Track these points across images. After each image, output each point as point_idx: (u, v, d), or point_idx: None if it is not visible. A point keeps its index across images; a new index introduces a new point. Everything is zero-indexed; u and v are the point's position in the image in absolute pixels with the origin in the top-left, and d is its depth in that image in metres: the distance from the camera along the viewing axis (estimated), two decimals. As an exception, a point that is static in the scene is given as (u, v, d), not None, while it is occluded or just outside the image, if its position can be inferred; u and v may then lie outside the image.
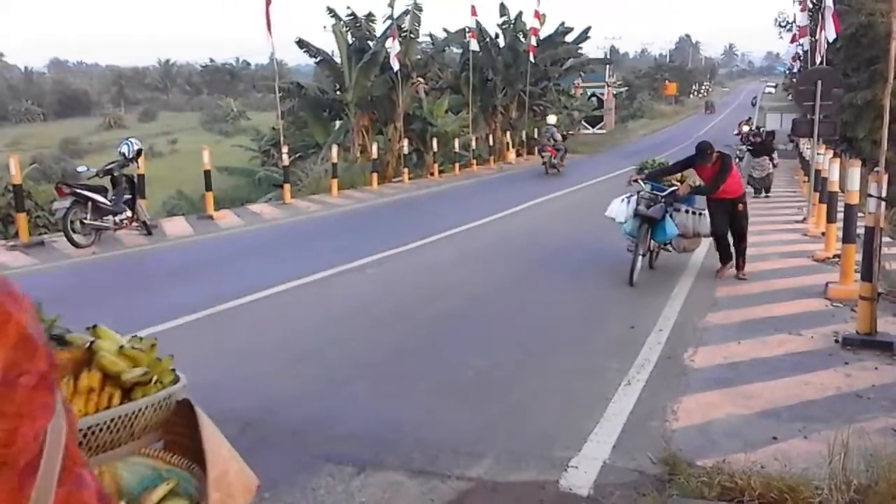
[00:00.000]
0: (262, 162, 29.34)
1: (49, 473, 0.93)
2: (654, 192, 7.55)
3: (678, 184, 7.80)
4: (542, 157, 20.97)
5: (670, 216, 7.57)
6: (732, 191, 7.57)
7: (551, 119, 22.53)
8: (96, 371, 1.66)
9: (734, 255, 7.76)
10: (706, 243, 8.52)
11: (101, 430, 1.58)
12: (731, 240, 7.78)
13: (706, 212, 7.80)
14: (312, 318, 6.36)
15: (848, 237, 6.72)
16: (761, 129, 35.67)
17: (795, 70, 27.27)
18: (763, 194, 15.84)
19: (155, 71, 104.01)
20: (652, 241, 7.66)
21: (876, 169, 5.50)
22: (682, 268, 8.26)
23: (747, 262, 7.90)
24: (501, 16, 29.62)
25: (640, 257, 7.46)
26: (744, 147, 17.37)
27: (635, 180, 7.79)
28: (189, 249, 9.89)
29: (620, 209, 7.91)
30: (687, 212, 7.79)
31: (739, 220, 7.66)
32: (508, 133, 28.94)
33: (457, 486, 3.37)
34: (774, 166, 16.18)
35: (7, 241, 10.04)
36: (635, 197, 7.70)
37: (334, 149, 16.63)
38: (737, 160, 16.51)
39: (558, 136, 21.30)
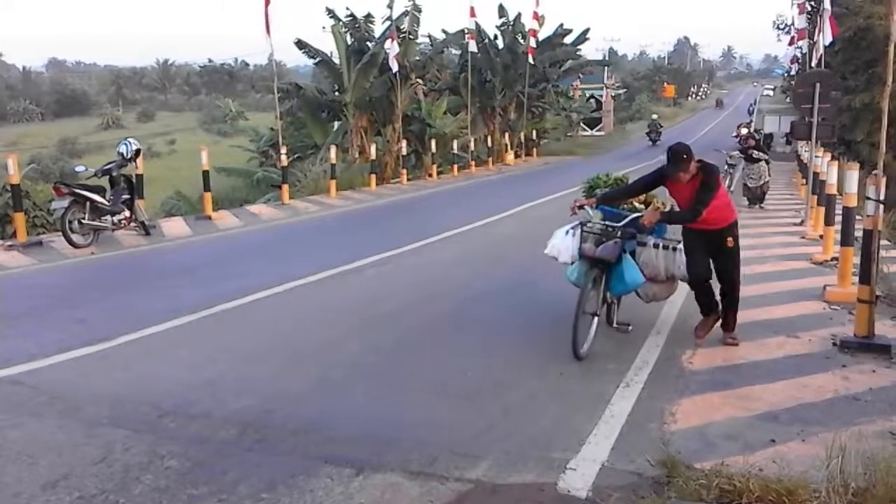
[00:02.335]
0: (261, 163, 29.36)
1: None
2: (608, 222, 5.37)
3: (644, 207, 5.83)
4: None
5: (631, 256, 5.49)
6: (719, 218, 5.31)
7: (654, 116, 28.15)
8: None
9: (721, 307, 5.59)
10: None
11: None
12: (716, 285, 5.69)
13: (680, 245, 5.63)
14: (310, 319, 6.36)
15: (846, 240, 6.74)
16: (760, 131, 35.79)
17: (794, 73, 27.35)
18: (757, 205, 14.28)
19: (153, 71, 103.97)
20: (608, 293, 5.43)
21: (874, 172, 5.51)
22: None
23: (743, 263, 7.71)
24: (500, 17, 29.68)
25: (591, 317, 5.26)
26: (737, 153, 14.99)
27: (580, 207, 5.42)
28: (187, 250, 9.88)
29: (564, 244, 5.75)
30: (657, 246, 5.58)
31: (728, 261, 5.43)
32: (507, 134, 28.99)
33: (456, 488, 3.37)
34: (767, 164, 14.41)
35: (5, 241, 10.02)
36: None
37: (333, 150, 16.63)
38: (727, 169, 14.85)
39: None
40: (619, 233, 5.24)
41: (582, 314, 5.10)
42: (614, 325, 5.67)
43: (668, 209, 5.55)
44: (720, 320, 5.65)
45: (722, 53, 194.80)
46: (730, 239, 5.42)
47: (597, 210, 5.58)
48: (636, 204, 5.98)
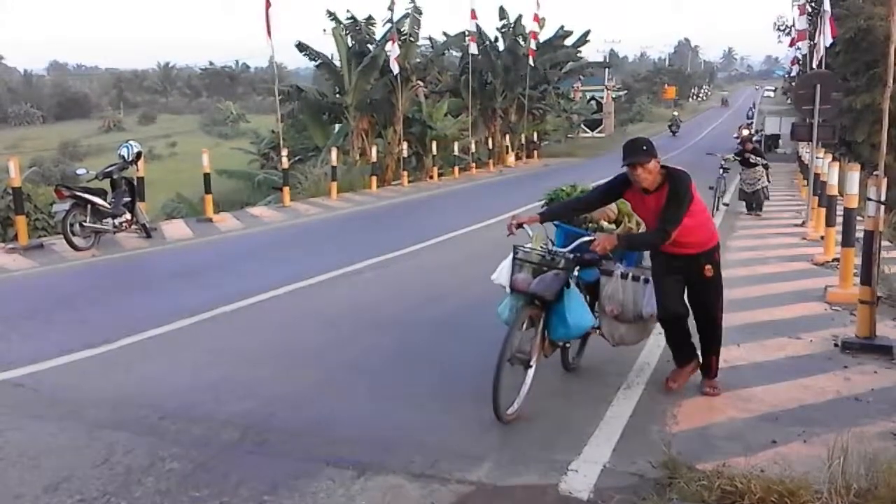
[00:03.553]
0: (262, 165, 29.40)
1: None
2: (557, 248, 4.40)
3: (611, 226, 4.94)
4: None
5: (593, 287, 4.59)
6: (695, 240, 4.29)
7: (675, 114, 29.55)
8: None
9: (700, 350, 4.60)
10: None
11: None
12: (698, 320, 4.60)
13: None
14: (312, 321, 6.36)
15: (847, 241, 6.74)
16: (761, 132, 35.74)
17: (794, 74, 27.35)
18: (755, 211, 13.52)
19: (154, 74, 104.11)
20: (547, 339, 4.31)
21: (875, 173, 5.51)
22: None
23: (744, 264, 7.69)
24: (501, 19, 29.69)
25: (524, 368, 4.20)
26: (731, 156, 13.84)
27: (519, 226, 4.36)
28: (188, 252, 9.88)
29: (507, 268, 4.58)
30: (625, 277, 4.55)
31: (706, 293, 4.43)
32: (508, 136, 29.00)
33: (457, 490, 3.37)
34: (766, 168, 13.47)
35: (6, 244, 10.03)
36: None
37: (334, 152, 16.65)
38: (721, 173, 13.86)
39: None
40: (563, 261, 4.18)
41: (509, 364, 4.01)
42: (570, 366, 4.86)
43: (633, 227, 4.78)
44: (696, 367, 4.63)
45: (723, 55, 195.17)
46: (708, 267, 4.32)
47: (557, 228, 4.79)
48: (604, 223, 4.94)
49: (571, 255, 4.22)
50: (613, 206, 4.89)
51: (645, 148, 4.15)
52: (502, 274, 4.48)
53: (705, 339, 4.57)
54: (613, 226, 4.98)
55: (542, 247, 4.36)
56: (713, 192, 13.25)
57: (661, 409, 4.29)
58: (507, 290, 4.35)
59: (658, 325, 4.69)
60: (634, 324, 4.62)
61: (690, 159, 25.38)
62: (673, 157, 31.59)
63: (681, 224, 4.08)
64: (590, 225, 4.91)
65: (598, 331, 4.72)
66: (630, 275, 4.57)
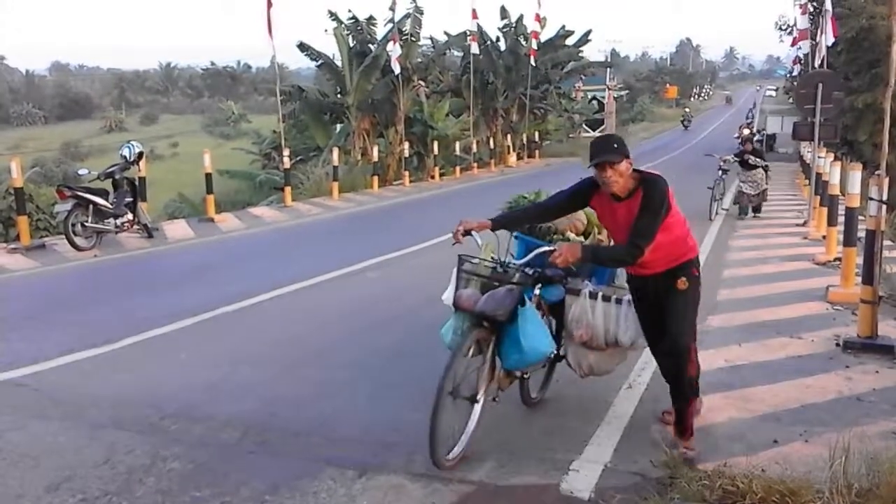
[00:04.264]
0: (263, 165, 29.43)
1: None
2: (515, 260, 3.81)
3: (579, 238, 4.42)
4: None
5: (558, 308, 4.00)
6: (669, 255, 3.64)
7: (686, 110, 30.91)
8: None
9: (672, 397, 3.82)
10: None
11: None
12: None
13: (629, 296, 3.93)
14: (313, 321, 6.36)
15: (849, 240, 6.73)
16: (762, 132, 35.66)
17: (796, 73, 27.32)
18: (751, 214, 13.00)
19: (156, 74, 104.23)
20: (500, 368, 3.70)
21: (877, 172, 5.50)
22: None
23: (746, 264, 7.64)
24: (502, 19, 29.70)
25: (469, 402, 3.61)
26: (730, 157, 13.18)
27: (467, 232, 3.71)
28: (190, 252, 9.89)
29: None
30: (594, 297, 3.93)
31: (674, 310, 3.67)
32: (509, 136, 29.00)
33: (458, 489, 3.37)
34: (766, 170, 13.01)
35: (8, 244, 10.05)
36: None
37: (335, 152, 16.66)
38: (720, 175, 13.18)
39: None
40: (517, 276, 3.56)
41: (451, 398, 3.41)
42: (531, 401, 4.25)
43: (592, 240, 4.24)
44: (678, 417, 3.78)
45: (724, 54, 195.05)
46: (682, 280, 3.66)
47: (517, 239, 4.25)
48: (571, 235, 4.38)
49: (529, 270, 3.65)
50: (582, 215, 4.34)
51: (616, 146, 3.50)
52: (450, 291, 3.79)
53: (670, 378, 3.77)
54: (582, 238, 4.48)
55: (492, 257, 3.72)
56: (710, 193, 12.74)
57: (663, 409, 4.29)
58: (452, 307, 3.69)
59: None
60: (606, 351, 3.97)
61: (693, 160, 25.38)
62: (676, 156, 31.58)
63: (653, 236, 3.44)
64: (554, 236, 4.36)
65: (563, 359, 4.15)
66: (600, 294, 3.91)
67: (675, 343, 3.67)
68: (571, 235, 4.41)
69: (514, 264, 3.67)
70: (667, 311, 3.67)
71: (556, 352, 4.07)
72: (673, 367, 3.73)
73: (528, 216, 4.09)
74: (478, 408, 3.65)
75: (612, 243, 3.99)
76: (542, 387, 4.35)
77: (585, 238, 4.45)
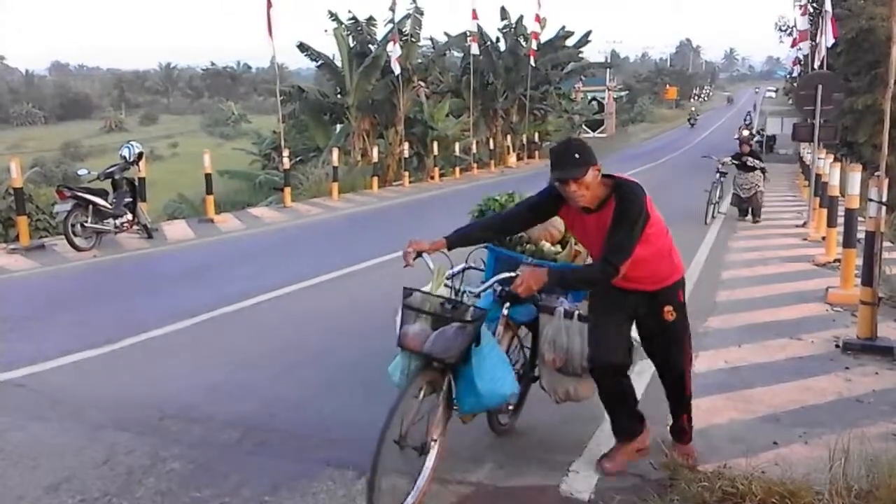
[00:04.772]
0: (263, 165, 29.38)
1: None
2: (487, 275, 3.69)
3: (555, 248, 3.95)
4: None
5: (532, 327, 3.73)
6: (652, 274, 3.31)
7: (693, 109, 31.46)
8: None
9: (671, 409, 3.74)
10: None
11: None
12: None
13: None
14: (313, 322, 6.36)
15: (848, 242, 6.73)
16: (762, 133, 35.64)
17: (796, 74, 27.35)
18: (750, 218, 12.64)
19: (156, 74, 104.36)
20: (455, 408, 3.25)
21: (876, 173, 5.50)
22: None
23: (746, 265, 7.62)
24: (502, 20, 29.73)
25: (418, 453, 3.12)
26: (728, 160, 12.78)
27: (418, 254, 3.44)
28: (190, 253, 9.89)
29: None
30: (569, 316, 3.52)
31: (668, 343, 3.49)
32: (509, 137, 29.03)
33: (457, 491, 3.37)
34: (763, 173, 12.61)
35: (8, 245, 10.04)
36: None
37: (335, 152, 16.66)
38: (718, 177, 12.72)
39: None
40: (470, 312, 3.09)
41: (398, 447, 2.97)
42: (500, 428, 3.87)
43: (562, 256, 3.83)
44: (670, 430, 3.71)
45: (724, 55, 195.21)
46: (668, 309, 3.34)
47: (488, 251, 3.85)
48: (545, 244, 3.92)
49: (491, 294, 3.35)
50: (559, 222, 3.78)
51: (577, 156, 3.03)
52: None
53: (671, 396, 3.67)
54: (558, 248, 3.94)
55: (446, 284, 3.31)
56: (707, 196, 12.36)
57: (663, 410, 4.28)
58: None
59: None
60: (585, 377, 3.53)
61: (693, 161, 25.41)
62: (676, 157, 31.58)
63: (630, 252, 3.05)
64: (527, 246, 3.93)
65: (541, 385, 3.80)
66: (576, 313, 3.50)
67: (675, 367, 3.57)
68: (546, 245, 3.95)
69: (472, 292, 3.27)
70: (661, 342, 3.48)
71: (528, 378, 3.88)
72: (674, 384, 3.65)
73: (489, 231, 3.59)
74: (431, 458, 3.18)
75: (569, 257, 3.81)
76: (514, 412, 3.96)
77: (563, 247, 3.94)
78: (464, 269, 3.52)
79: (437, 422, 3.17)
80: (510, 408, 3.92)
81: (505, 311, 3.51)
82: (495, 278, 3.35)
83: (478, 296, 3.31)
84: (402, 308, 3.19)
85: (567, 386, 3.65)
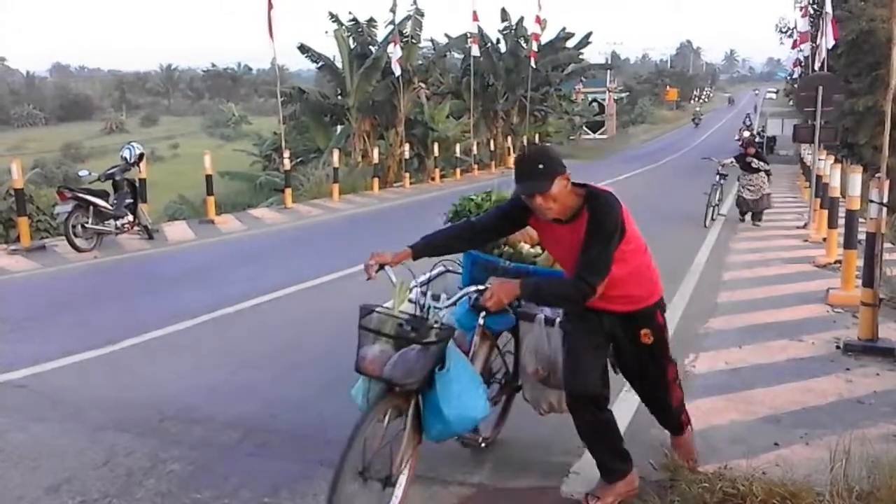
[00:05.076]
0: (264, 167, 29.39)
1: None
2: (464, 280, 3.54)
3: (534, 250, 3.66)
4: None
5: (513, 334, 3.54)
6: (629, 293, 3.04)
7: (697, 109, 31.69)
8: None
9: (669, 420, 3.49)
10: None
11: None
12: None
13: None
14: (314, 323, 6.36)
15: (849, 243, 6.73)
16: (762, 134, 35.63)
17: (796, 76, 27.35)
18: (752, 221, 12.40)
19: (157, 76, 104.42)
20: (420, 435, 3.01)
21: (877, 175, 5.50)
22: (682, 273, 8.25)
23: (747, 266, 7.56)
24: (503, 21, 29.76)
25: (381, 485, 2.84)
26: (729, 161, 12.55)
27: (381, 267, 3.21)
28: (190, 254, 9.89)
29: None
30: (551, 323, 3.32)
31: (649, 369, 3.22)
32: (510, 138, 29.03)
33: (458, 492, 3.37)
34: (768, 175, 12.43)
35: (8, 246, 10.04)
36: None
37: (336, 153, 16.67)
38: (718, 179, 12.54)
39: None
40: (434, 332, 2.81)
41: (360, 479, 2.72)
42: (477, 444, 3.58)
43: (531, 267, 3.51)
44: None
45: (724, 57, 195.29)
46: (646, 332, 3.08)
47: (466, 257, 3.57)
48: (524, 246, 3.66)
49: (464, 304, 3.08)
50: None
51: (541, 166, 2.77)
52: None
53: (656, 414, 3.47)
54: (538, 249, 3.64)
55: (410, 300, 3.01)
56: (706, 199, 12.17)
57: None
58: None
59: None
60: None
61: (694, 163, 25.39)
62: (677, 158, 31.58)
63: (607, 269, 2.81)
64: (504, 248, 3.67)
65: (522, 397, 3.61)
66: (558, 321, 3.27)
67: (654, 396, 3.36)
68: (524, 247, 3.67)
69: (438, 307, 2.98)
70: (640, 368, 3.22)
71: (510, 385, 3.67)
72: (659, 411, 3.44)
73: (459, 241, 3.29)
74: (398, 491, 2.92)
75: (536, 264, 3.56)
76: (495, 425, 3.73)
77: (543, 249, 3.59)
78: (441, 273, 3.37)
79: (404, 449, 2.88)
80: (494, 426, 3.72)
81: (481, 321, 3.25)
82: (462, 292, 3.08)
83: (445, 309, 3.05)
84: (359, 329, 2.90)
85: (551, 398, 3.48)
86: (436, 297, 3.08)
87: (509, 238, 3.63)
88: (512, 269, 3.42)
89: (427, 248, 3.22)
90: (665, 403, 3.36)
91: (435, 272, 3.33)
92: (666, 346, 3.22)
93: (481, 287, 2.99)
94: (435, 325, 2.86)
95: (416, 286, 3.11)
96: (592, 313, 3.05)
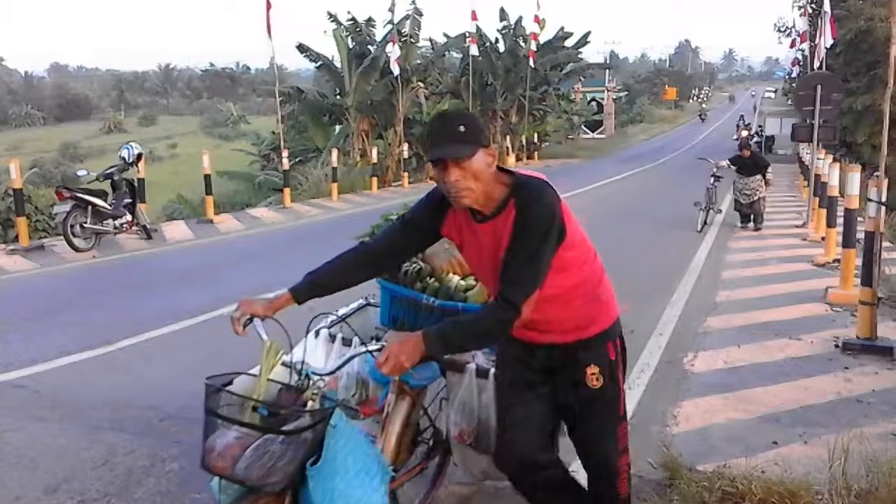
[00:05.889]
0: (263, 166, 29.37)
1: None
2: (383, 321, 3.03)
3: (466, 282, 2.99)
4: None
5: (408, 396, 2.59)
6: (572, 318, 2.25)
7: (703, 106, 33.82)
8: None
9: None
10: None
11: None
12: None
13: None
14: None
15: (848, 242, 6.74)
16: (761, 132, 35.59)
17: (795, 75, 27.37)
18: (751, 224, 11.86)
19: (155, 75, 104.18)
20: None
21: (876, 174, 5.51)
22: (680, 272, 8.25)
23: (745, 265, 7.54)
24: (501, 21, 29.74)
25: None
26: (725, 163, 12.05)
27: (249, 320, 2.56)
28: (189, 253, 9.89)
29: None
30: (483, 375, 2.62)
31: (597, 421, 2.33)
32: (508, 137, 28.99)
33: (457, 491, 3.36)
34: (768, 183, 12.00)
35: (7, 245, 10.04)
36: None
37: (334, 153, 16.67)
38: (713, 182, 12.05)
39: None
40: (307, 417, 2.06)
41: None
42: None
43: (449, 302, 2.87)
44: None
45: (723, 56, 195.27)
46: (592, 371, 2.28)
47: (381, 288, 2.99)
48: (452, 277, 3.00)
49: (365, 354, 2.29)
50: None
51: (462, 129, 2.08)
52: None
53: (596, 495, 2.44)
54: (471, 281, 2.96)
55: (285, 363, 2.34)
56: (701, 202, 11.64)
57: (661, 410, 4.29)
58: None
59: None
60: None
61: (693, 162, 25.39)
62: (676, 157, 31.58)
63: (536, 286, 2.07)
64: (429, 281, 2.99)
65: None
66: (492, 371, 2.58)
67: (600, 460, 2.39)
68: (453, 277, 2.99)
69: (318, 374, 2.26)
70: (585, 421, 2.34)
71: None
72: (602, 487, 2.42)
73: (359, 270, 2.46)
74: None
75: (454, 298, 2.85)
76: (426, 494, 3.00)
77: (476, 281, 2.89)
78: (360, 307, 2.90)
79: None
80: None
81: (396, 377, 2.39)
82: (349, 354, 2.34)
83: (328, 377, 2.35)
84: (205, 414, 2.13)
85: (482, 465, 2.73)
86: (347, 342, 2.56)
87: (435, 269, 3.03)
88: (437, 306, 2.82)
89: (315, 287, 2.49)
90: (616, 480, 2.38)
91: (354, 305, 2.85)
92: (619, 395, 2.34)
93: (374, 347, 2.23)
94: (306, 407, 2.11)
95: (292, 345, 2.49)
96: (521, 346, 2.32)
